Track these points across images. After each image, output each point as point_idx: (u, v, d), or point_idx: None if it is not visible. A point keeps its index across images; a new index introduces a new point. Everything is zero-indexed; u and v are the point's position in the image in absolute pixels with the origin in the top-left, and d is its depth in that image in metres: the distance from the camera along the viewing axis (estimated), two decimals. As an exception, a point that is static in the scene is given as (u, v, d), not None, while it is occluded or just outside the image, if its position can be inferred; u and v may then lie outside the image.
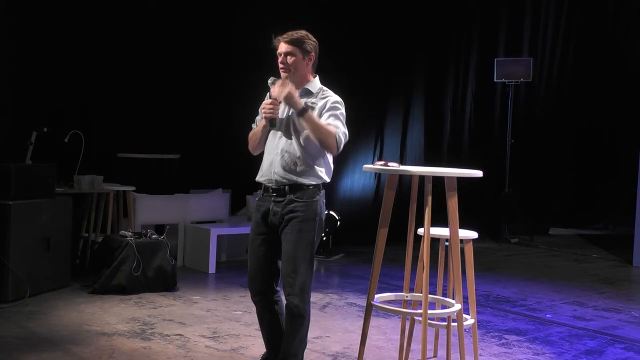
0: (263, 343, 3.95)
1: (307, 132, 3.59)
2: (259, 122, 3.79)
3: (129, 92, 7.88)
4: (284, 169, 3.65)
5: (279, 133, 3.70)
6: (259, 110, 3.81)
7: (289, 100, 3.54)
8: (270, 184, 3.70)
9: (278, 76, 3.72)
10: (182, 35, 8.19)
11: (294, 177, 3.63)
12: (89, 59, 7.55)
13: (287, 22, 3.98)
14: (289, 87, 3.54)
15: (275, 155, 3.69)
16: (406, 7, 9.41)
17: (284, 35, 3.67)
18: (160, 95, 8.07)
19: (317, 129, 3.53)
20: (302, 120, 3.55)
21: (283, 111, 3.71)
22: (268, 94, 3.74)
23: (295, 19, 4.54)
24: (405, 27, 9.46)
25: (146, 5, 7.98)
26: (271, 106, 3.63)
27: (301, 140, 3.63)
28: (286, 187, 3.65)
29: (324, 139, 3.55)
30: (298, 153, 3.64)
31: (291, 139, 3.66)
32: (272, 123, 3.66)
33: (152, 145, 8.00)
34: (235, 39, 8.44)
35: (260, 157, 3.83)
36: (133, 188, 7.13)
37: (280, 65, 3.68)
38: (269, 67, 3.95)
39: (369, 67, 9.21)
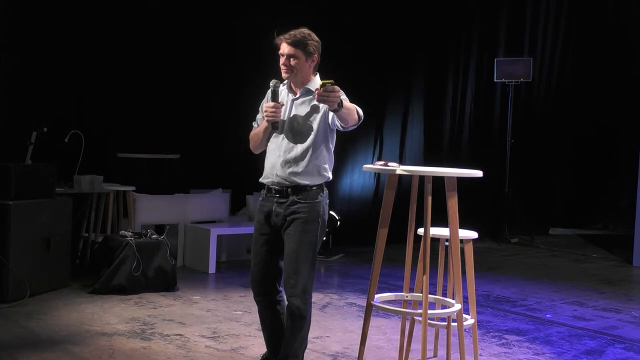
0: (263, 343, 3.95)
1: (317, 126, 3.61)
2: (260, 121, 3.78)
3: (129, 92, 7.88)
4: (286, 170, 3.63)
5: (281, 135, 3.68)
6: (259, 108, 3.81)
7: (332, 105, 3.38)
8: (273, 186, 3.70)
9: (280, 79, 3.70)
10: (183, 35, 8.19)
11: (296, 179, 3.62)
12: (89, 59, 7.55)
13: (287, 22, 3.96)
14: (339, 93, 3.41)
15: (277, 157, 3.67)
16: (406, 7, 9.40)
17: (287, 35, 3.59)
18: (160, 95, 8.08)
19: (350, 112, 3.50)
20: (338, 113, 3.45)
21: (284, 113, 3.70)
22: (268, 94, 3.73)
23: (295, 19, 4.52)
24: (405, 27, 9.45)
25: (146, 5, 7.98)
26: (274, 109, 3.61)
27: (314, 135, 3.61)
28: (289, 188, 3.64)
29: (353, 117, 3.54)
30: (300, 155, 3.62)
31: (293, 140, 3.65)
32: (274, 126, 3.66)
33: (152, 145, 8.00)
34: (235, 39, 8.44)
35: (261, 157, 3.83)
36: (133, 188, 7.13)
37: (283, 67, 3.63)
38: (269, 67, 3.93)
39: (369, 67, 9.20)
